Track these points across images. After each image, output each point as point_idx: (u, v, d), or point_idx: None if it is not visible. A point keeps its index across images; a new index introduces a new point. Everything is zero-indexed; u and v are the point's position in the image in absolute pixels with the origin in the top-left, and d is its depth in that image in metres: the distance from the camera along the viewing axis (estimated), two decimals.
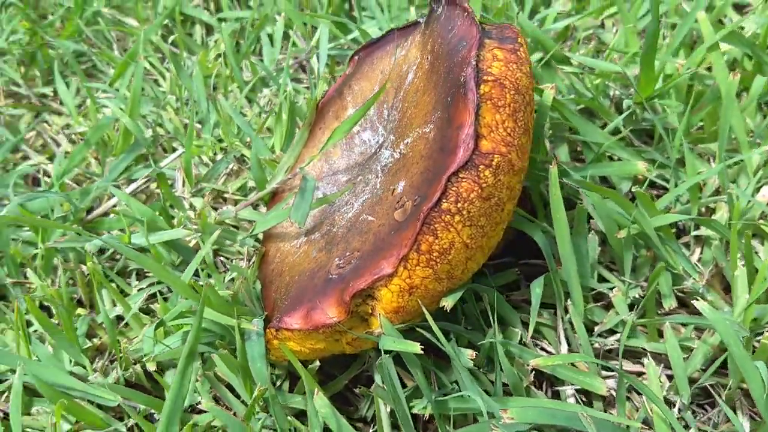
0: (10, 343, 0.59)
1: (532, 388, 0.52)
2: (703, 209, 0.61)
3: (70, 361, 0.58)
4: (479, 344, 0.52)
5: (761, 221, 0.57)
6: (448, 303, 0.48)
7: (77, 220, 0.67)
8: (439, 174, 0.45)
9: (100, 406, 0.55)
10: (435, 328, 0.46)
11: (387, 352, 0.47)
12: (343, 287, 0.47)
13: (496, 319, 0.51)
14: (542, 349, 0.56)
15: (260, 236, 0.64)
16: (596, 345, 0.55)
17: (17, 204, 0.65)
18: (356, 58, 0.65)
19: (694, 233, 0.59)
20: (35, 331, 0.62)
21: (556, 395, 0.53)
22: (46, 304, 0.64)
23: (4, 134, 0.83)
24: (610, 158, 0.64)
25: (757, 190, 0.60)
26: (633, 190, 0.53)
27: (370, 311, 0.47)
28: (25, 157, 0.83)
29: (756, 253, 0.58)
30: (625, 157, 0.61)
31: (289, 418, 0.51)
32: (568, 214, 0.53)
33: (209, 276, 0.62)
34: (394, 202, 0.49)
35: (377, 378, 0.52)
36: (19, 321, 0.55)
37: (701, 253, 0.59)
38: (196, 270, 0.60)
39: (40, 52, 0.94)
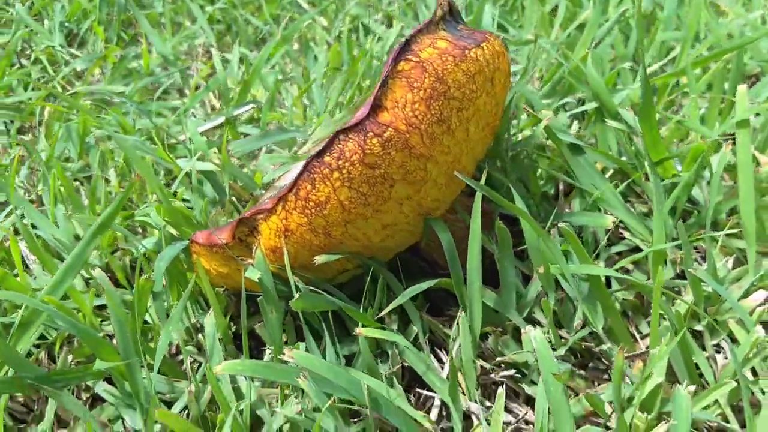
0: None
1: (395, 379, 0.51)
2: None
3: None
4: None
5: (731, 318, 0.51)
6: (319, 259, 0.50)
7: (150, 139, 0.79)
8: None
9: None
10: (289, 273, 0.49)
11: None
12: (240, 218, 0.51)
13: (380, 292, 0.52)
14: (435, 355, 0.55)
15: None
16: (492, 374, 0.53)
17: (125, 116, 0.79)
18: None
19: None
20: None
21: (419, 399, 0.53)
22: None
23: (176, 78, 0.99)
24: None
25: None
26: (560, 226, 0.50)
27: (256, 244, 0.51)
28: (184, 97, 0.98)
29: None
30: (617, 214, 0.58)
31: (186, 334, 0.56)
32: None
33: (221, 206, 0.70)
34: None
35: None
36: (54, 188, 0.67)
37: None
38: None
39: (234, 24, 1.10)
